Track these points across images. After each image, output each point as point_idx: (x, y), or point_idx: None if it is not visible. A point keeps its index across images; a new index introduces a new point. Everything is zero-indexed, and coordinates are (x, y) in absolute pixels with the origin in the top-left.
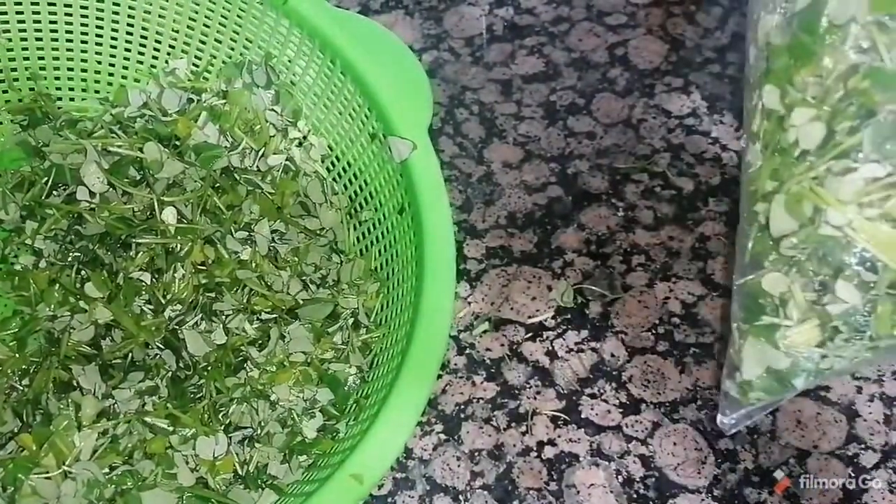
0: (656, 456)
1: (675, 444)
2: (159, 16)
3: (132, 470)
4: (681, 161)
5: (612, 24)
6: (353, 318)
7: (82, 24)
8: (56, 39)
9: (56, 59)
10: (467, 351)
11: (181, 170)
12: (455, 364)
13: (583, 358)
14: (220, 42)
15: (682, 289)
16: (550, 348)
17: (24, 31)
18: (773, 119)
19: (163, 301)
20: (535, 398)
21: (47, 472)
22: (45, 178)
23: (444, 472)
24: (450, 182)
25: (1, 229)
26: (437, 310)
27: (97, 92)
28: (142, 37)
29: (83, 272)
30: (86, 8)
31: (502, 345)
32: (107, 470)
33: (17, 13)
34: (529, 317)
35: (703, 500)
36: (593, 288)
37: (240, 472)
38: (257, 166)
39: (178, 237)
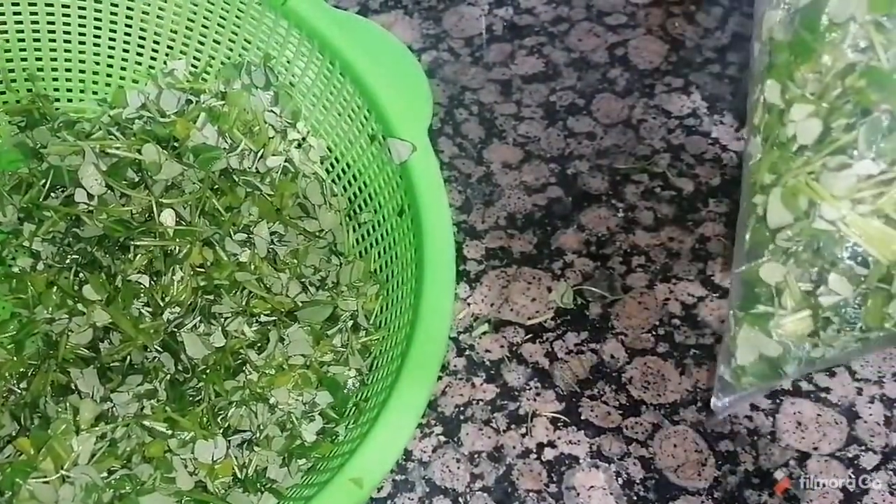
0: (656, 458)
1: (675, 445)
2: (157, 16)
3: (131, 474)
4: (681, 162)
5: (612, 24)
6: (352, 321)
7: (80, 25)
8: (54, 40)
9: (54, 59)
10: (467, 352)
11: (180, 171)
12: (455, 365)
13: (583, 359)
14: (218, 43)
15: (682, 290)
16: (550, 350)
17: (22, 31)
18: (774, 113)
19: (161, 303)
20: (534, 400)
21: (45, 477)
22: (43, 180)
23: (443, 474)
24: (449, 183)
25: None
26: (437, 312)
27: (95, 93)
28: (140, 37)
29: (81, 274)
30: (84, 8)
31: (502, 346)
32: (105, 474)
33: (15, 13)
34: (529, 318)
35: (703, 501)
36: (593, 289)
37: (239, 476)
38: (256, 168)
39: (177, 239)
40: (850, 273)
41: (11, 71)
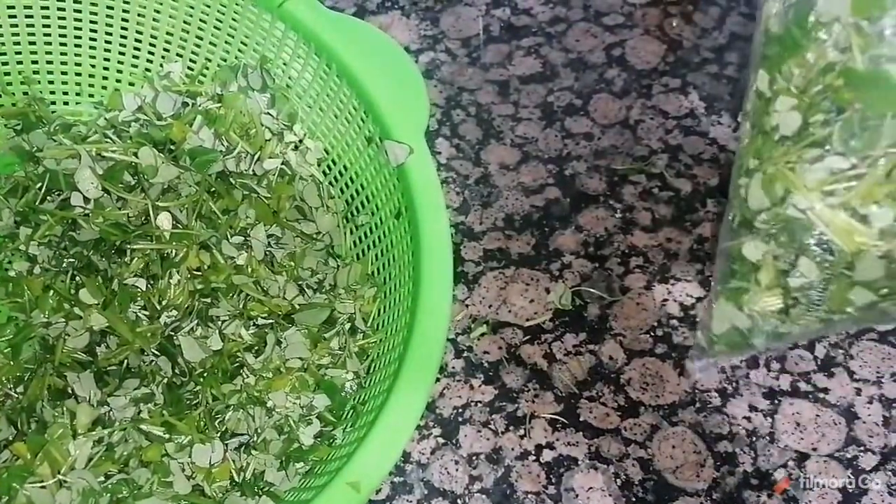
0: (655, 459)
1: (673, 447)
2: (153, 19)
3: (128, 478)
4: (679, 162)
5: (610, 24)
6: (349, 323)
7: (76, 28)
8: (49, 43)
9: (49, 62)
10: (465, 354)
11: (176, 174)
12: (453, 367)
13: (581, 361)
14: (214, 45)
15: (680, 291)
16: (548, 351)
17: (17, 34)
18: (762, 102)
19: (158, 307)
20: (533, 401)
21: (42, 481)
22: (39, 184)
23: (442, 476)
24: (447, 184)
25: None
26: (435, 314)
27: (91, 96)
28: (136, 40)
29: (78, 278)
30: (79, 11)
31: (500, 348)
32: (102, 478)
33: (10, 17)
34: (527, 319)
35: (702, 502)
36: (591, 290)
37: (236, 480)
38: (253, 170)
39: (174, 242)
40: (817, 259)
41: (7, 74)
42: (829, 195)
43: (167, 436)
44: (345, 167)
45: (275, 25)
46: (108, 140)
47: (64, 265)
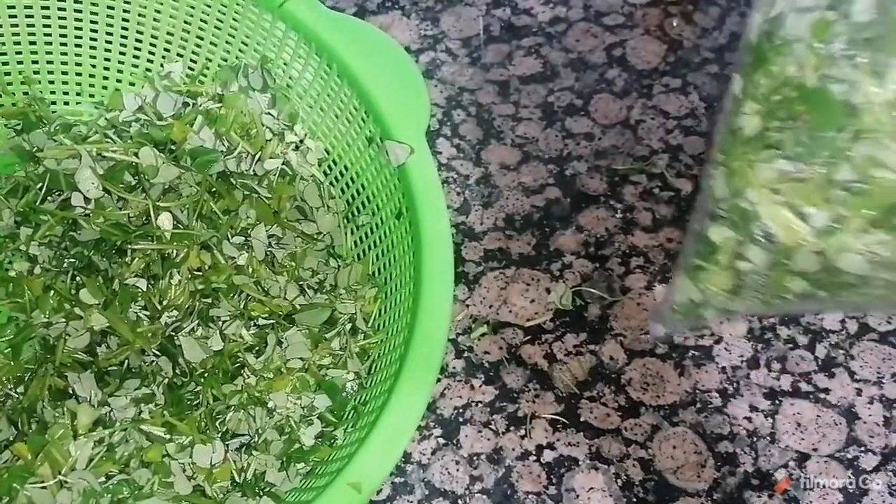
0: (656, 459)
1: (674, 447)
2: (154, 19)
3: (129, 479)
4: (679, 162)
5: (610, 24)
6: (350, 324)
7: (76, 28)
8: (50, 43)
9: (50, 62)
10: (465, 354)
11: (177, 175)
12: (453, 367)
13: (581, 361)
14: (215, 45)
15: None
16: (549, 351)
17: (18, 34)
18: (735, 103)
19: (159, 307)
20: (533, 401)
21: (43, 482)
22: (40, 184)
23: (442, 476)
24: (447, 184)
25: None
26: (436, 314)
27: (92, 96)
28: (136, 40)
29: (78, 278)
30: (80, 11)
31: (501, 348)
32: (103, 479)
33: (11, 17)
34: (528, 320)
35: (702, 503)
36: (592, 290)
37: (237, 480)
38: (254, 170)
39: (174, 243)
40: (762, 248)
41: (7, 74)
42: (776, 193)
43: (168, 436)
44: (345, 167)
45: (275, 25)
46: (109, 140)
47: (64, 265)
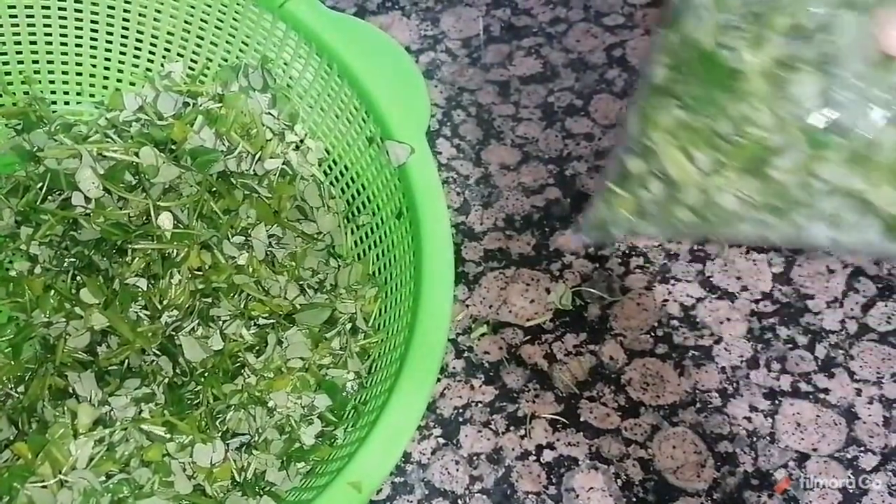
0: (655, 459)
1: (674, 447)
2: (154, 18)
3: (129, 478)
4: None
5: (610, 24)
6: (351, 323)
7: (76, 28)
8: (50, 42)
9: (50, 62)
10: (465, 354)
11: (177, 174)
12: (453, 367)
13: (581, 361)
14: (215, 45)
15: (680, 291)
16: (549, 351)
17: (18, 34)
18: (653, 56)
19: (159, 307)
20: (533, 401)
21: (43, 481)
22: (40, 183)
23: (442, 476)
24: (447, 184)
25: None
26: (436, 314)
27: (92, 96)
28: (137, 40)
29: (79, 278)
30: (80, 11)
31: (500, 348)
32: (103, 478)
33: (11, 16)
34: (528, 320)
35: (702, 503)
36: (592, 290)
37: (237, 480)
38: (254, 170)
39: (175, 242)
40: (660, 181)
41: (8, 73)
42: (673, 136)
43: (168, 436)
44: (346, 167)
45: (276, 25)
46: (109, 140)
47: (65, 265)
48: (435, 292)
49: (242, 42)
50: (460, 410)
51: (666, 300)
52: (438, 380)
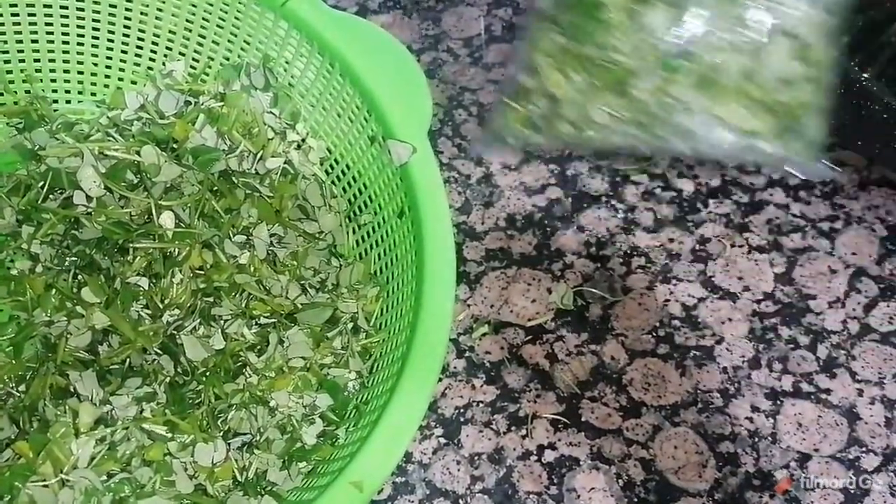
0: (657, 459)
1: (675, 447)
2: (156, 17)
3: (130, 477)
4: (680, 162)
5: None
6: (352, 323)
7: (78, 26)
8: (52, 41)
9: (52, 61)
10: (467, 354)
11: (179, 173)
12: (454, 367)
13: (583, 361)
14: (217, 44)
15: (682, 291)
16: (550, 351)
17: (20, 32)
18: None
19: (160, 306)
20: (535, 401)
21: (44, 481)
22: (42, 182)
23: (443, 476)
24: (448, 183)
25: None
26: (437, 314)
27: (94, 94)
28: (139, 38)
29: (80, 277)
30: (82, 9)
31: (502, 348)
32: (105, 477)
33: (13, 15)
34: (529, 319)
35: (703, 503)
36: (593, 290)
37: (239, 479)
38: (255, 169)
39: (176, 241)
40: (545, 97)
41: (9, 72)
42: (554, 59)
43: (170, 435)
44: (347, 166)
45: (277, 24)
46: (111, 138)
47: (66, 264)
48: (436, 292)
49: (244, 41)
50: (461, 410)
51: (667, 300)
52: (440, 379)
